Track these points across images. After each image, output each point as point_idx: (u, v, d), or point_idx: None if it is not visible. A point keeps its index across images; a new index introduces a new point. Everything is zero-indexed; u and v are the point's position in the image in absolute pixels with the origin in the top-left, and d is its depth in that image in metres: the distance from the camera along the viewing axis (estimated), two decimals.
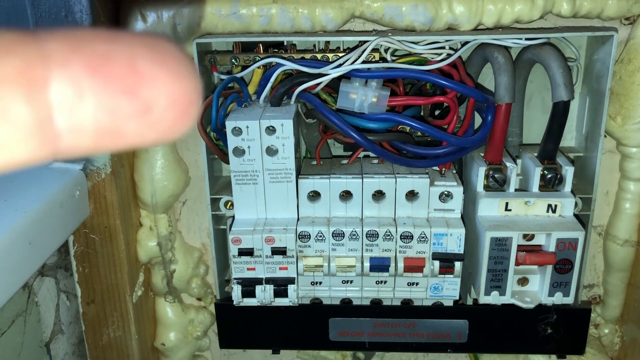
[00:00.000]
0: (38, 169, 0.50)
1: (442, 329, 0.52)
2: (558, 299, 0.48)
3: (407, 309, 0.52)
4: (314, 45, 0.50)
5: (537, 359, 0.59)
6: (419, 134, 0.50)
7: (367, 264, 0.48)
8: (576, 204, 0.49)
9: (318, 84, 0.47)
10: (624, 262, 0.54)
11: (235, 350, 0.65)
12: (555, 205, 0.48)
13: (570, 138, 0.54)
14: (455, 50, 0.47)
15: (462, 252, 0.48)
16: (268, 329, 0.53)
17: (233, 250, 0.48)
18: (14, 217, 0.42)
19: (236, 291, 0.49)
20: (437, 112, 0.52)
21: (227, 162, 0.48)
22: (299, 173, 0.49)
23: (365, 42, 0.47)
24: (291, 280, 0.49)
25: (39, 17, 0.46)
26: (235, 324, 0.53)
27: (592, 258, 0.57)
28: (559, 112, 0.46)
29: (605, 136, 0.50)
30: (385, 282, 0.49)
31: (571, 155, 0.52)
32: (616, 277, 0.56)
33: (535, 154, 0.50)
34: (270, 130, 0.46)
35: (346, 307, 0.52)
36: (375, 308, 0.52)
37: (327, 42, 0.49)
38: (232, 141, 0.47)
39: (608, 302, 0.58)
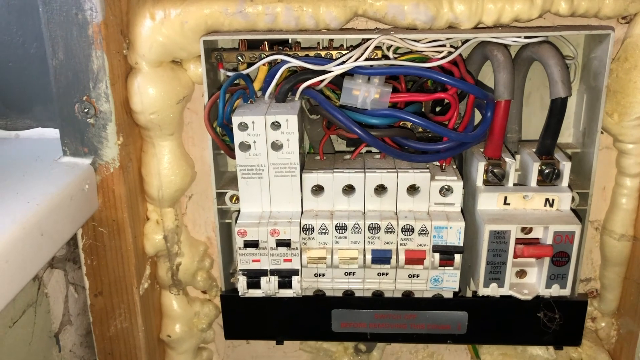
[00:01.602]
0: (49, 163, 0.51)
1: (442, 320, 0.53)
2: (555, 290, 0.49)
3: (407, 300, 0.53)
4: (318, 43, 0.51)
5: (535, 350, 0.60)
6: (420, 129, 0.51)
7: (369, 257, 0.49)
8: (573, 199, 0.50)
9: (322, 81, 0.48)
10: (621, 257, 0.56)
11: (240, 342, 0.66)
12: (553, 200, 0.49)
13: (568, 134, 0.56)
14: (456, 48, 0.48)
15: (461, 244, 0.49)
16: (272, 320, 0.54)
17: (239, 242, 0.49)
18: (27, 209, 0.43)
19: (242, 282, 0.50)
20: (437, 109, 0.53)
21: (233, 157, 0.49)
22: (303, 168, 0.50)
23: (368, 40, 0.48)
24: (295, 272, 0.50)
25: (50, 15, 0.47)
26: (240, 315, 0.55)
27: (589, 252, 0.58)
28: (557, 109, 0.47)
29: (602, 133, 0.51)
30: (386, 274, 0.50)
31: (569, 151, 0.53)
32: (613, 271, 0.57)
33: (534, 150, 0.51)
34: (276, 125, 0.47)
35: (348, 299, 0.53)
36: (377, 300, 0.53)
37: (331, 40, 0.50)
38: (239, 136, 0.48)
39: (605, 296, 0.59)
